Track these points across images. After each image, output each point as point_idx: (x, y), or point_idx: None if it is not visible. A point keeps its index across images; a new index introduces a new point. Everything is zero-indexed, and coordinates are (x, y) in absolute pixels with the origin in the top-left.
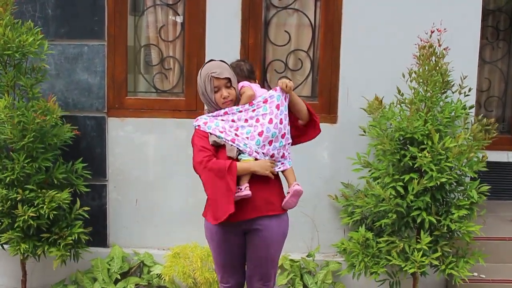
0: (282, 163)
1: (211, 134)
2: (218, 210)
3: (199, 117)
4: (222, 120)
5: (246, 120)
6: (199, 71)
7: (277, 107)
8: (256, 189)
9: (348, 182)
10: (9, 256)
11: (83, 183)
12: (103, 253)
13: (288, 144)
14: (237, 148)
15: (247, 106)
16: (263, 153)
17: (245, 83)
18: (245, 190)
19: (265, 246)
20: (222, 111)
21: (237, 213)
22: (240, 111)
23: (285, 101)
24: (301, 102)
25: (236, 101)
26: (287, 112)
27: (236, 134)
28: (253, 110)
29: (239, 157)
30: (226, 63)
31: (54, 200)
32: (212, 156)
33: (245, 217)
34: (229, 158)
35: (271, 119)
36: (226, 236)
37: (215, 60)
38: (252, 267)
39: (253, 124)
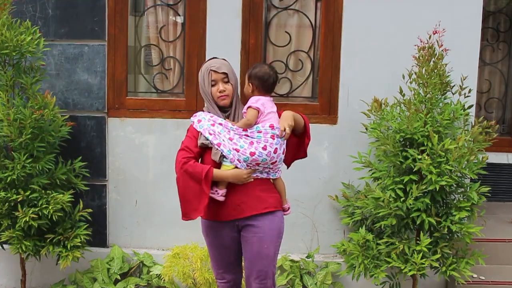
0: (267, 173)
1: (201, 134)
2: (187, 209)
3: (197, 113)
4: (220, 124)
5: (241, 137)
6: (201, 67)
7: (272, 137)
8: (247, 187)
9: (349, 183)
10: (9, 256)
11: (83, 182)
12: (103, 254)
13: (277, 167)
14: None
15: (240, 130)
16: (247, 164)
17: (254, 103)
18: (220, 196)
19: (258, 241)
20: (219, 120)
21: (230, 212)
22: (233, 131)
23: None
24: (300, 123)
25: (233, 99)
26: (283, 141)
27: (223, 140)
28: (246, 135)
29: (222, 160)
30: (228, 62)
31: (57, 201)
32: (192, 158)
33: (238, 216)
34: (213, 161)
35: (265, 146)
36: (219, 231)
37: (218, 58)
38: (248, 264)
39: (247, 143)
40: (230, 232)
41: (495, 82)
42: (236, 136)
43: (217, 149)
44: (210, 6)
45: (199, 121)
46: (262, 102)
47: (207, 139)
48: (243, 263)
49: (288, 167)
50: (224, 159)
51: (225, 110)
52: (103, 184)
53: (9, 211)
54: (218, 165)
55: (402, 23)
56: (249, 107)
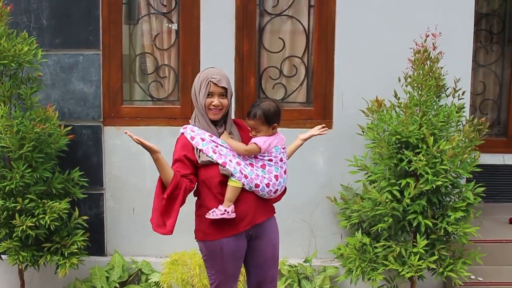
0: None
1: (202, 152)
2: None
3: (188, 127)
4: (222, 145)
5: (246, 165)
6: (199, 73)
7: (276, 177)
8: (250, 194)
9: (348, 185)
10: (7, 266)
11: (80, 190)
12: (101, 262)
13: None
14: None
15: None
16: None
17: (262, 144)
18: (232, 214)
19: (273, 247)
20: (219, 141)
21: (244, 222)
22: (223, 146)
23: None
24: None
25: (226, 113)
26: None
27: (230, 161)
28: (251, 164)
29: (230, 176)
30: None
31: (54, 210)
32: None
33: (253, 223)
34: (222, 175)
35: (268, 183)
36: (237, 244)
37: (216, 68)
38: (259, 271)
39: (254, 173)
40: (244, 241)
41: (489, 84)
42: (242, 163)
43: (222, 168)
44: (204, 14)
45: (192, 138)
46: (269, 143)
47: (211, 157)
48: None
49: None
50: (232, 177)
51: (215, 123)
52: (100, 192)
53: (7, 221)
54: (227, 179)
55: (395, 27)
56: (255, 143)
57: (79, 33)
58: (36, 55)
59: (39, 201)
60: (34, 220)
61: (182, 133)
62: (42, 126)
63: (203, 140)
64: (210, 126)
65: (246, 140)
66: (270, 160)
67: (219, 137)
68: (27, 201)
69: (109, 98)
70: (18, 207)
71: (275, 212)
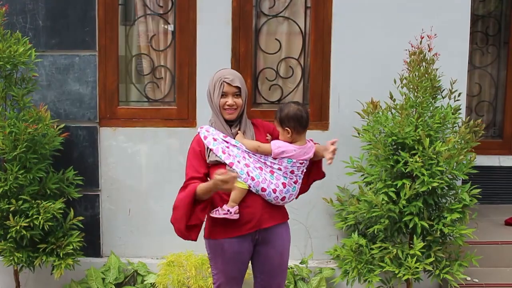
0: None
1: (211, 151)
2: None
3: (205, 127)
4: (234, 146)
5: (255, 168)
6: (213, 75)
7: (283, 184)
8: (260, 198)
9: (344, 187)
10: (2, 268)
11: (75, 190)
12: (96, 263)
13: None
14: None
15: (255, 157)
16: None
17: (276, 148)
18: (234, 215)
19: (280, 254)
20: (233, 141)
21: (250, 224)
22: (235, 147)
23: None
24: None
25: (241, 113)
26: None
27: (238, 161)
28: (261, 168)
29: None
30: (240, 74)
31: (48, 210)
32: (197, 181)
33: (259, 227)
34: None
35: (275, 189)
36: (239, 247)
37: (229, 69)
38: (267, 279)
39: (261, 177)
40: (248, 245)
41: (485, 86)
42: (251, 165)
43: (228, 169)
44: (200, 15)
45: (205, 137)
46: (283, 150)
47: (219, 157)
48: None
49: (306, 190)
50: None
51: (231, 124)
52: (96, 194)
53: (1, 222)
54: None
55: (391, 29)
56: (270, 143)
57: (75, 34)
58: (30, 55)
59: (33, 202)
60: (28, 221)
61: (198, 133)
62: (35, 127)
63: (215, 140)
64: (225, 126)
65: (260, 140)
66: (279, 169)
67: (233, 138)
68: (21, 202)
69: (105, 99)
70: (12, 208)
71: (288, 219)
